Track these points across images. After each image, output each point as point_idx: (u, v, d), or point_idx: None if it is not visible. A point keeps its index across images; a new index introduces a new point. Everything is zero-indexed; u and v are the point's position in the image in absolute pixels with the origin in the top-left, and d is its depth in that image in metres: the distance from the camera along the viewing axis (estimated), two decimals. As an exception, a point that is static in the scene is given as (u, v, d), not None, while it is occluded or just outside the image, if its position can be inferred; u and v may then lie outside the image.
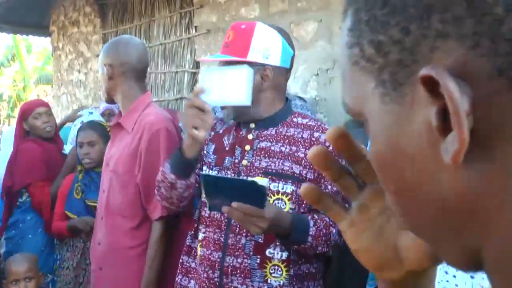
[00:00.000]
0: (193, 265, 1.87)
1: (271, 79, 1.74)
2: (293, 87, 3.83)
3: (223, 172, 1.78)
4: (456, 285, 1.55)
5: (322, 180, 1.70)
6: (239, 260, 1.71)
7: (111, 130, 2.43)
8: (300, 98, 3.24)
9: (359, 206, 0.57)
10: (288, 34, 1.83)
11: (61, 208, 2.99)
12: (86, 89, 6.88)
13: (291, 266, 1.71)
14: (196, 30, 5.02)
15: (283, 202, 1.69)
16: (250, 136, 1.79)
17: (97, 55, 6.27)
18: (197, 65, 5.07)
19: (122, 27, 6.07)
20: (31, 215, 3.28)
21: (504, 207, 0.34)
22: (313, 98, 3.83)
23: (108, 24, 6.37)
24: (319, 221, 1.67)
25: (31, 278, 2.68)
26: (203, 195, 1.71)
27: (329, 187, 1.69)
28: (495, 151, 0.33)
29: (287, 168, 1.70)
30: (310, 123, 1.77)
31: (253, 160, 1.75)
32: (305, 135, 1.74)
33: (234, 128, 1.85)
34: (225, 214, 1.58)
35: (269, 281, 1.70)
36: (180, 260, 1.92)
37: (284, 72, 1.79)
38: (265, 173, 1.71)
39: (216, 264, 1.74)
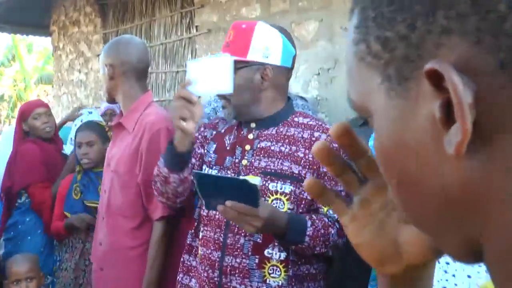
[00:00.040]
0: (194, 263, 1.87)
1: (271, 79, 1.73)
2: (294, 86, 3.82)
3: (223, 171, 1.78)
4: (456, 285, 1.55)
5: (321, 181, 1.68)
6: (237, 260, 1.71)
7: (112, 130, 2.42)
8: (302, 97, 3.23)
9: (360, 201, 0.59)
10: (290, 34, 1.83)
11: (60, 208, 2.99)
12: (87, 89, 6.87)
13: (289, 266, 1.70)
14: (197, 30, 5.02)
15: (282, 202, 1.69)
16: (250, 136, 1.79)
17: (98, 55, 6.30)
18: (198, 65, 5.06)
19: (123, 27, 6.07)
20: (30, 216, 3.28)
21: (503, 197, 0.35)
22: (314, 97, 3.82)
23: (109, 23, 6.36)
24: (317, 221, 1.66)
25: (32, 278, 2.68)
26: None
27: (328, 187, 1.67)
28: (496, 143, 0.35)
29: (286, 168, 1.70)
30: (311, 122, 1.77)
31: (253, 160, 1.75)
32: (305, 135, 1.73)
33: (235, 127, 1.85)
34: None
35: (267, 282, 1.69)
36: (181, 259, 1.92)
37: (285, 72, 1.78)
38: (264, 173, 1.71)
39: (216, 264, 1.74)
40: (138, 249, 2.17)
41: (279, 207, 1.68)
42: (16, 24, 7.66)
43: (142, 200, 2.15)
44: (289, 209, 1.69)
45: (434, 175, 0.38)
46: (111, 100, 2.32)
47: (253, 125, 1.80)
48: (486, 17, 0.33)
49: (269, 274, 1.70)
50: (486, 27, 0.33)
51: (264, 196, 1.69)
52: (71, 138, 3.76)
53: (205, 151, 1.87)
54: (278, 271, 1.70)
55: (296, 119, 1.79)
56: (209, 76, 1.66)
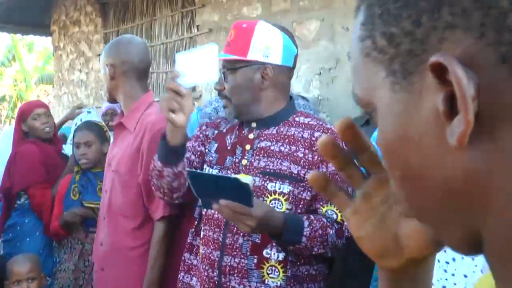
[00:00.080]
0: (195, 262, 1.87)
1: (272, 78, 1.73)
2: (296, 86, 3.81)
3: (223, 171, 1.78)
4: (455, 284, 1.55)
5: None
6: (236, 260, 1.70)
7: (113, 130, 2.41)
8: (303, 97, 3.23)
9: (362, 194, 0.60)
10: (291, 33, 1.82)
11: (59, 209, 2.98)
12: (88, 89, 6.87)
13: (288, 267, 1.70)
14: (198, 30, 5.01)
15: (280, 202, 1.68)
16: (251, 136, 1.79)
17: (98, 55, 6.29)
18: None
19: (124, 27, 6.06)
20: (29, 217, 3.26)
21: (504, 187, 0.36)
22: (315, 97, 3.82)
23: (110, 23, 6.36)
24: (315, 221, 1.65)
25: (33, 279, 2.68)
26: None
27: None
28: (497, 134, 0.36)
29: (285, 168, 1.69)
30: (311, 122, 1.76)
31: (253, 160, 1.74)
32: (305, 135, 1.73)
33: (237, 127, 1.84)
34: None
35: (266, 282, 1.69)
36: (182, 258, 1.92)
37: (287, 71, 1.78)
38: (263, 173, 1.71)
39: (215, 263, 1.74)
40: (139, 249, 2.16)
41: (277, 207, 1.67)
42: (17, 23, 7.66)
43: (143, 200, 2.14)
44: (287, 209, 1.68)
45: (437, 167, 0.39)
46: (112, 100, 2.31)
47: (254, 124, 1.80)
48: (489, 12, 0.35)
49: (268, 274, 1.69)
50: (489, 23, 0.35)
51: (263, 196, 1.69)
52: (71, 139, 3.75)
53: (207, 150, 1.87)
54: (277, 272, 1.69)
55: (297, 118, 1.78)
56: (196, 67, 1.66)
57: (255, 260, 1.69)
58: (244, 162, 1.76)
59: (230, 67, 1.76)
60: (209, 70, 1.64)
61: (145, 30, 5.76)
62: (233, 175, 1.64)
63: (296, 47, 1.80)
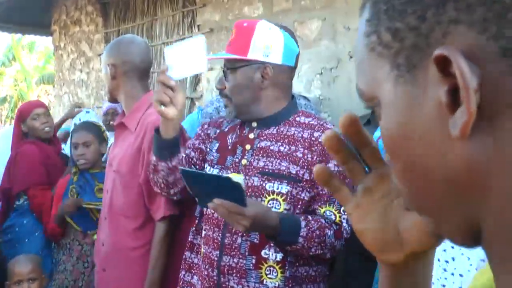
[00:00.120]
0: (195, 260, 1.88)
1: (272, 77, 1.73)
2: (297, 86, 3.80)
3: (224, 171, 1.78)
4: (454, 283, 1.55)
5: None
6: (235, 260, 1.71)
7: (114, 130, 2.41)
8: (304, 97, 3.22)
9: (364, 189, 0.62)
10: (293, 32, 1.82)
11: (56, 210, 2.98)
12: (88, 89, 6.86)
13: (286, 267, 1.69)
14: (199, 29, 5.00)
15: (278, 203, 1.68)
16: (251, 135, 1.79)
17: (99, 55, 6.29)
18: (199, 64, 5.04)
19: (124, 26, 6.05)
20: (27, 218, 3.26)
21: (503, 177, 0.38)
22: (317, 97, 3.81)
23: (110, 23, 6.35)
24: (312, 222, 1.65)
25: (34, 279, 2.67)
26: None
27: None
28: (497, 126, 0.37)
29: (284, 168, 1.69)
30: (312, 122, 1.76)
31: (252, 160, 1.74)
32: (305, 135, 1.72)
33: (238, 126, 1.85)
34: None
35: (264, 282, 1.69)
36: (183, 256, 1.92)
37: (288, 71, 1.77)
38: (262, 173, 1.71)
39: (215, 263, 1.74)
40: (141, 250, 2.16)
41: (275, 207, 1.67)
42: (18, 23, 7.65)
43: (144, 200, 2.14)
44: (285, 209, 1.68)
45: (439, 158, 0.41)
46: (113, 100, 2.31)
47: (254, 124, 1.80)
48: (492, 7, 0.36)
49: (266, 275, 1.69)
50: (491, 17, 0.36)
51: (261, 196, 1.69)
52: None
53: (208, 149, 1.87)
54: (275, 272, 1.69)
55: (298, 118, 1.78)
56: (185, 59, 1.68)
57: (253, 261, 1.69)
58: (243, 162, 1.76)
59: (230, 66, 1.77)
60: (198, 61, 1.66)
61: (146, 29, 5.75)
62: (224, 174, 1.64)
63: (298, 47, 1.79)
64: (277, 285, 1.68)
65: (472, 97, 0.36)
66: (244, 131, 1.82)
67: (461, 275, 1.49)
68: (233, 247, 1.71)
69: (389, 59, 0.43)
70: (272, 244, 1.68)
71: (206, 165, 1.86)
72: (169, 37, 5.43)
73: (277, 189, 1.68)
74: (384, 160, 0.60)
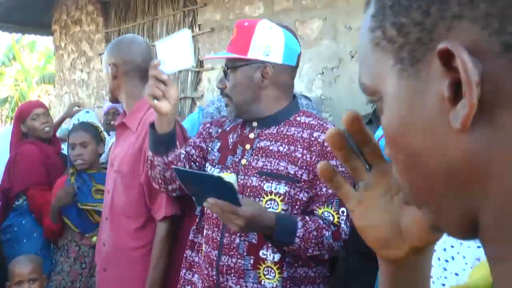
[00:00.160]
0: (196, 259, 1.88)
1: (272, 77, 1.73)
2: (298, 86, 3.79)
3: (224, 170, 1.78)
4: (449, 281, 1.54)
5: (318, 182, 1.68)
6: (233, 260, 1.71)
7: (115, 129, 2.40)
8: (306, 97, 3.22)
9: (365, 186, 0.63)
10: (294, 32, 1.81)
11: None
12: (89, 89, 6.86)
13: (284, 268, 1.69)
14: (199, 29, 4.99)
15: (276, 203, 1.68)
16: (251, 135, 1.79)
17: (100, 54, 6.29)
18: (201, 64, 5.04)
19: (125, 26, 6.05)
20: (26, 218, 3.25)
21: (501, 168, 0.39)
22: (318, 97, 3.80)
23: (111, 22, 6.34)
24: (310, 222, 1.64)
25: (35, 280, 2.67)
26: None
27: (324, 189, 1.67)
28: (497, 119, 0.38)
29: (282, 168, 1.69)
30: (312, 122, 1.75)
31: (251, 160, 1.74)
32: (304, 135, 1.72)
33: (239, 126, 1.85)
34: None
35: (262, 283, 1.69)
36: (184, 255, 1.92)
37: (289, 70, 1.77)
38: (260, 173, 1.71)
39: (214, 263, 1.74)
40: (142, 250, 2.16)
41: (273, 208, 1.67)
42: (18, 23, 7.65)
43: (146, 200, 2.14)
44: (283, 210, 1.67)
45: (439, 150, 0.42)
46: (114, 99, 2.31)
47: (255, 124, 1.80)
48: (495, 3, 0.37)
49: (264, 275, 1.69)
50: (493, 13, 0.37)
51: (259, 196, 1.69)
52: None
53: (209, 148, 1.88)
54: (273, 273, 1.69)
55: (298, 118, 1.77)
56: (173, 53, 1.69)
57: (252, 261, 1.69)
58: (243, 161, 1.76)
59: (231, 65, 1.77)
60: (184, 55, 1.67)
61: (146, 29, 5.74)
62: (216, 174, 1.64)
63: (300, 47, 1.79)
64: (275, 285, 1.68)
65: (474, 90, 0.37)
66: (245, 131, 1.82)
67: (456, 274, 1.49)
68: (232, 247, 1.71)
69: (393, 53, 0.44)
70: (270, 245, 1.68)
71: (207, 164, 1.86)
72: (170, 37, 5.42)
73: (275, 189, 1.68)
74: (385, 157, 0.60)
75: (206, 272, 1.77)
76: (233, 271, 1.70)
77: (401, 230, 0.61)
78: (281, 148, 1.71)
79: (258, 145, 1.75)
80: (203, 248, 1.83)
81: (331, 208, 1.67)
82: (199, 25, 5.01)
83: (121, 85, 2.21)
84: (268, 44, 1.70)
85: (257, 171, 1.71)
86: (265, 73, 1.72)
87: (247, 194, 1.71)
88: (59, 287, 2.86)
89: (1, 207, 3.35)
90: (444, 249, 1.56)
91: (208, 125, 1.95)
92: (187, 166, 1.86)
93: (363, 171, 0.63)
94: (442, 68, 0.39)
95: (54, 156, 3.46)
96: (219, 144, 1.86)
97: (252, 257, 1.70)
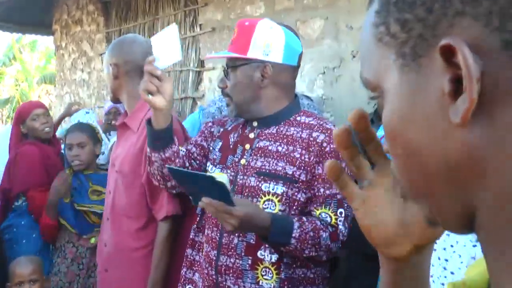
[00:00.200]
0: (197, 258, 1.88)
1: (272, 76, 1.72)
2: (300, 85, 3.78)
3: (225, 170, 1.78)
4: (445, 278, 1.54)
5: (315, 183, 1.67)
6: (231, 260, 1.71)
7: (117, 129, 2.40)
8: (307, 97, 3.20)
9: (369, 184, 0.64)
10: (296, 32, 1.81)
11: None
12: (90, 89, 6.86)
13: (281, 269, 1.69)
14: (200, 28, 4.98)
15: (273, 203, 1.67)
16: (251, 135, 1.79)
17: (101, 54, 6.28)
18: (202, 63, 5.04)
19: (126, 26, 6.04)
20: (25, 219, 3.23)
21: (498, 163, 0.40)
22: (319, 97, 3.79)
23: (112, 22, 6.34)
24: (307, 223, 1.63)
25: (35, 281, 2.65)
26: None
27: (322, 190, 1.67)
28: (496, 115, 0.39)
29: (280, 169, 1.68)
30: (312, 122, 1.74)
31: (250, 160, 1.74)
32: (304, 135, 1.71)
33: (240, 126, 1.85)
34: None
35: (260, 283, 1.69)
36: (185, 253, 1.92)
37: (290, 70, 1.76)
38: (258, 173, 1.70)
39: (213, 262, 1.75)
40: (143, 250, 2.15)
41: (270, 208, 1.67)
42: (19, 23, 7.65)
43: (147, 201, 2.13)
44: (280, 210, 1.67)
45: (438, 144, 0.42)
46: (116, 99, 2.30)
47: (255, 123, 1.80)
48: (496, 1, 0.38)
49: (262, 275, 1.69)
50: (495, 11, 0.38)
51: (257, 197, 1.69)
52: None
53: (211, 148, 1.88)
54: (270, 273, 1.69)
55: (298, 118, 1.77)
56: (164, 49, 1.71)
57: (250, 261, 1.69)
58: (242, 161, 1.76)
59: (231, 65, 1.77)
60: (173, 50, 1.69)
61: (147, 29, 5.74)
62: (208, 174, 1.63)
63: (301, 46, 1.78)
64: (272, 286, 1.68)
65: (474, 85, 0.38)
66: (245, 131, 1.82)
67: (452, 273, 1.49)
68: (230, 247, 1.71)
69: (396, 48, 0.44)
70: (267, 245, 1.68)
71: (208, 163, 1.86)
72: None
73: (273, 189, 1.67)
74: (387, 156, 0.62)
75: (206, 272, 1.78)
76: (231, 271, 1.70)
77: (405, 227, 0.62)
78: (280, 148, 1.71)
79: (257, 145, 1.75)
80: (204, 247, 1.83)
81: (329, 209, 1.66)
82: (200, 25, 5.00)
83: (122, 85, 2.21)
84: (268, 43, 1.70)
85: (255, 171, 1.71)
86: (265, 72, 1.72)
87: (245, 194, 1.71)
88: None
89: (1, 207, 3.34)
90: (444, 248, 1.56)
91: (210, 124, 1.95)
92: (187, 164, 1.87)
93: (367, 169, 0.64)
94: (443, 63, 0.40)
95: (54, 157, 3.45)
96: (220, 143, 1.86)
97: (250, 257, 1.69)
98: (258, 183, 1.69)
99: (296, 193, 1.67)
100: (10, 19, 7.33)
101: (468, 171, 0.42)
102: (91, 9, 6.68)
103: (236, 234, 1.70)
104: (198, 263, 1.86)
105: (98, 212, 2.81)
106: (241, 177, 1.73)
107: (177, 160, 1.81)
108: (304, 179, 1.67)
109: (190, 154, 1.89)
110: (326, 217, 1.66)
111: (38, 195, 3.18)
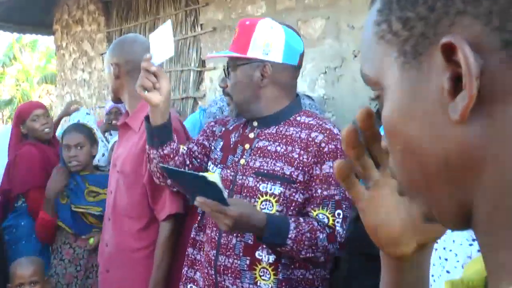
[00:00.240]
0: (198, 257, 1.88)
1: (271, 76, 1.72)
2: (301, 85, 3.78)
3: (225, 170, 1.78)
4: (440, 277, 1.54)
5: (313, 184, 1.66)
6: (230, 260, 1.71)
7: (118, 130, 2.39)
8: (309, 97, 3.20)
9: (375, 184, 0.64)
10: (297, 31, 1.81)
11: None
12: (90, 88, 6.85)
13: (279, 269, 1.68)
14: (201, 28, 4.98)
15: (270, 204, 1.67)
16: (251, 135, 1.79)
17: (101, 54, 6.28)
18: (203, 63, 5.03)
19: (127, 25, 6.04)
20: (25, 220, 3.22)
21: (495, 159, 0.40)
22: (321, 96, 3.78)
23: (113, 22, 6.33)
24: (303, 224, 1.62)
25: (36, 283, 2.64)
26: None
27: (319, 191, 1.66)
28: (494, 113, 0.40)
29: (278, 169, 1.68)
30: (311, 122, 1.73)
31: (249, 160, 1.74)
32: (302, 135, 1.70)
33: (241, 125, 1.84)
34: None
35: (258, 284, 1.68)
36: (186, 253, 1.92)
37: (290, 69, 1.75)
38: (257, 173, 1.70)
39: (212, 262, 1.75)
40: (144, 251, 2.15)
41: (267, 209, 1.66)
42: (19, 23, 7.65)
43: (148, 201, 2.12)
44: (277, 211, 1.66)
45: (436, 141, 0.43)
46: (117, 99, 2.29)
47: (255, 123, 1.79)
48: (497, 1, 0.39)
49: (260, 276, 1.68)
50: (495, 10, 0.38)
51: (254, 197, 1.68)
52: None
53: (213, 147, 1.88)
54: (268, 274, 1.68)
55: (298, 118, 1.76)
56: (160, 45, 1.72)
57: (248, 261, 1.69)
58: (242, 161, 1.76)
59: (231, 64, 1.77)
60: (167, 46, 1.70)
61: (148, 29, 5.73)
62: (200, 173, 1.63)
63: (303, 46, 1.78)
64: (270, 287, 1.67)
65: (474, 83, 0.39)
66: (246, 130, 1.81)
67: (448, 272, 1.49)
68: (229, 247, 1.71)
69: (397, 46, 0.45)
70: (265, 246, 1.67)
71: (210, 163, 1.86)
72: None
73: (270, 190, 1.67)
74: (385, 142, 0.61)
75: (206, 271, 1.78)
76: (230, 271, 1.70)
77: (410, 227, 0.63)
78: (278, 148, 1.70)
79: (256, 145, 1.75)
80: (205, 246, 1.83)
81: (326, 210, 1.65)
82: (201, 25, 4.99)
83: (123, 85, 2.20)
84: (268, 43, 1.70)
85: (254, 171, 1.71)
86: (264, 72, 1.71)
87: (244, 194, 1.70)
88: None
89: (1, 207, 3.33)
90: (444, 248, 1.56)
91: (212, 123, 1.96)
92: (188, 162, 1.87)
93: (373, 169, 0.64)
94: (444, 61, 0.41)
95: (53, 158, 3.43)
96: (221, 143, 1.86)
97: (248, 257, 1.69)
98: (256, 183, 1.69)
99: (293, 194, 1.66)
100: (10, 19, 7.32)
101: (465, 168, 0.42)
102: (92, 9, 6.67)
103: (235, 234, 1.70)
104: (200, 262, 1.86)
105: (94, 213, 2.80)
106: (240, 177, 1.73)
107: (176, 158, 1.81)
108: (302, 179, 1.66)
109: (192, 153, 1.89)
110: (323, 218, 1.65)
111: (38, 196, 3.17)
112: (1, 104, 20.21)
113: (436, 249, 1.50)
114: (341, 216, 1.66)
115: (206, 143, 1.90)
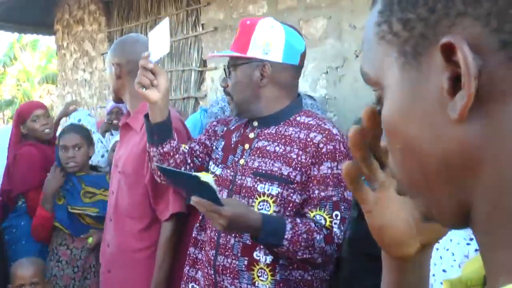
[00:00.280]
0: (199, 256, 1.88)
1: (271, 76, 1.72)
2: (302, 85, 3.77)
3: (225, 170, 1.78)
4: (435, 276, 1.53)
5: (310, 184, 1.66)
6: (228, 260, 1.71)
7: (119, 130, 2.39)
8: (310, 97, 3.20)
9: (380, 185, 0.65)
10: (299, 31, 1.80)
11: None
12: (91, 88, 6.85)
13: (277, 270, 1.68)
14: (203, 28, 4.97)
15: (268, 204, 1.67)
16: (251, 135, 1.79)
17: (102, 54, 6.27)
18: (204, 63, 5.02)
19: (128, 25, 6.03)
20: (25, 220, 3.21)
21: (493, 158, 0.41)
22: (322, 96, 3.78)
23: (113, 22, 6.32)
24: (300, 225, 1.61)
25: (36, 284, 2.63)
26: None
27: (316, 192, 1.65)
28: (492, 113, 0.40)
29: (276, 169, 1.67)
30: (311, 122, 1.73)
31: (249, 160, 1.74)
32: (301, 135, 1.70)
33: (242, 125, 1.84)
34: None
35: (256, 284, 1.68)
36: (188, 252, 1.92)
37: (290, 69, 1.75)
38: (255, 173, 1.70)
39: (211, 262, 1.75)
40: (146, 251, 2.15)
41: (265, 209, 1.66)
42: (20, 22, 7.64)
43: (150, 201, 2.12)
44: (275, 211, 1.66)
45: (436, 141, 0.43)
46: (118, 99, 2.29)
47: (255, 123, 1.79)
48: (496, 3, 0.39)
49: (258, 276, 1.68)
50: (494, 12, 0.39)
51: (252, 197, 1.68)
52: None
53: (214, 147, 1.89)
54: (265, 275, 1.68)
55: (298, 118, 1.75)
56: (157, 42, 1.73)
57: (246, 262, 1.69)
58: (241, 161, 1.76)
59: (232, 64, 1.78)
60: (162, 43, 1.70)
61: (149, 28, 5.71)
62: (194, 173, 1.63)
63: (304, 45, 1.77)
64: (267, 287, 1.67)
65: (472, 82, 0.39)
66: (246, 130, 1.81)
67: (444, 271, 1.48)
68: (227, 247, 1.72)
69: (398, 47, 0.46)
70: (262, 246, 1.67)
71: (211, 162, 1.87)
72: (173, 36, 5.39)
73: (268, 190, 1.67)
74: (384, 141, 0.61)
75: (206, 271, 1.79)
76: (228, 271, 1.71)
77: (415, 227, 0.63)
78: (277, 149, 1.70)
79: (256, 145, 1.75)
80: (205, 246, 1.83)
81: (324, 211, 1.65)
82: (202, 25, 4.99)
83: (125, 85, 2.20)
84: (268, 42, 1.69)
85: (252, 171, 1.71)
86: (264, 71, 1.71)
87: (242, 194, 1.71)
88: None
89: (1, 208, 3.33)
90: (439, 248, 1.55)
91: (214, 123, 1.96)
92: (189, 161, 1.87)
93: (378, 171, 0.64)
94: (443, 61, 0.41)
95: (53, 158, 3.43)
96: (223, 143, 1.86)
97: (246, 258, 1.69)
98: (254, 183, 1.69)
99: (291, 194, 1.66)
100: (11, 19, 7.31)
101: (465, 168, 0.43)
102: (93, 9, 6.67)
103: (233, 235, 1.70)
104: (201, 261, 1.87)
105: (91, 214, 2.80)
106: (240, 177, 1.73)
107: (176, 156, 1.81)
108: (300, 180, 1.65)
109: (193, 152, 1.89)
110: (321, 219, 1.65)
111: (37, 197, 3.16)
112: (2, 104, 20.23)
113: (437, 249, 1.50)
114: (338, 218, 1.65)
115: (208, 142, 1.90)
